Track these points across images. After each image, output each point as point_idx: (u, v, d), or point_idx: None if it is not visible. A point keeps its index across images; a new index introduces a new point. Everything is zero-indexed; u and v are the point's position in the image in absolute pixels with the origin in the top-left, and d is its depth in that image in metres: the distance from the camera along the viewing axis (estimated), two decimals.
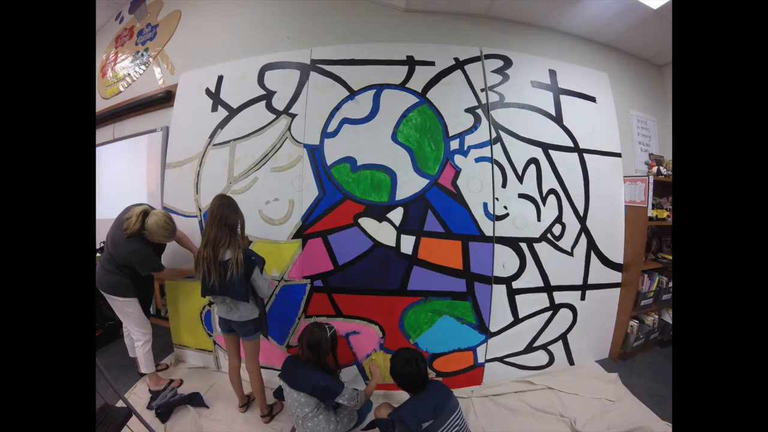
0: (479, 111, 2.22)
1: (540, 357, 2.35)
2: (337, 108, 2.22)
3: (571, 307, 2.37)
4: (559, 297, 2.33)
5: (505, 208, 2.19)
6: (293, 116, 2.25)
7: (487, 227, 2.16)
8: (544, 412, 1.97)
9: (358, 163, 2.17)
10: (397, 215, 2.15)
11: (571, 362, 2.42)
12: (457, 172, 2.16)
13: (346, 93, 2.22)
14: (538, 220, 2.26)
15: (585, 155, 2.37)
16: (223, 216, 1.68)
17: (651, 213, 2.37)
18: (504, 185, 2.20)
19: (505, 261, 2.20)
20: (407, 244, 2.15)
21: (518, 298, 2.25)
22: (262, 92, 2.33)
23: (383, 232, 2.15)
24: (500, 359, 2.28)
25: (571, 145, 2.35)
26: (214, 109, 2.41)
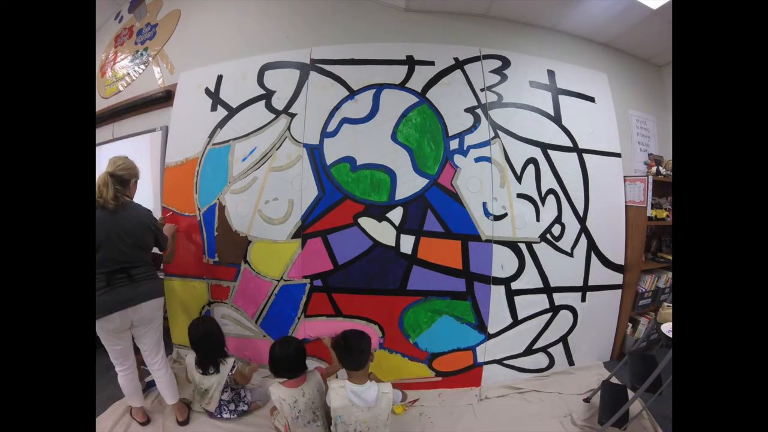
0: (479, 111, 2.22)
1: (540, 360, 2.34)
2: (336, 108, 2.21)
3: (572, 309, 2.36)
4: (559, 298, 2.33)
5: (504, 208, 2.19)
6: (293, 116, 2.25)
7: (486, 227, 2.16)
8: (545, 413, 1.97)
9: (358, 163, 2.17)
10: (396, 215, 2.15)
11: (572, 364, 2.41)
12: (457, 171, 2.16)
13: (346, 92, 2.22)
14: (537, 220, 2.26)
15: (584, 155, 2.36)
16: None
17: (650, 213, 2.37)
18: (503, 185, 2.19)
19: (503, 261, 2.20)
20: (407, 243, 2.14)
21: (517, 299, 2.24)
22: (262, 92, 2.32)
23: (383, 232, 2.14)
24: (499, 361, 2.27)
25: (570, 145, 2.35)
26: (214, 108, 2.41)
